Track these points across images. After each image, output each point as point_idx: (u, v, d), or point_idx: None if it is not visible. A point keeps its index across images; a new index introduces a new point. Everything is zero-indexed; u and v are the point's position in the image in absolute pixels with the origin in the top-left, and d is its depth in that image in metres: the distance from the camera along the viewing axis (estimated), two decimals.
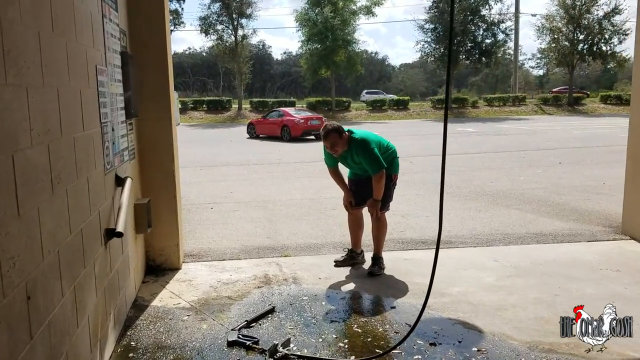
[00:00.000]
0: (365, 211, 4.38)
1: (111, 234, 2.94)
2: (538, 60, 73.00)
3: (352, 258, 4.46)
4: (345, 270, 4.33)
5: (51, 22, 2.06)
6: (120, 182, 3.28)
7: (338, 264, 4.41)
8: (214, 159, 13.38)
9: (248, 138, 21.01)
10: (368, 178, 4.16)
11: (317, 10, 32.76)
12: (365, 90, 48.37)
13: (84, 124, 2.50)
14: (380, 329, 3.22)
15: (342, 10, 32.41)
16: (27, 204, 1.77)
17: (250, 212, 6.86)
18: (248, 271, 4.33)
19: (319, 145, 4.65)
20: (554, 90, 45.16)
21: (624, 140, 5.53)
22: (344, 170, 4.49)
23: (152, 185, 4.20)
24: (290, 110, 22.24)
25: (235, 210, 6.96)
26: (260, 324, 3.29)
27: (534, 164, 11.16)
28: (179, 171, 4.55)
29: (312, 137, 19.16)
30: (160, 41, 4.04)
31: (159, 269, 4.36)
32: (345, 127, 4.20)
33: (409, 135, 19.81)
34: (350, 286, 4.00)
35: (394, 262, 4.46)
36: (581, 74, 54.94)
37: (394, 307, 3.55)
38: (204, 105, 33.76)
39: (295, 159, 13.20)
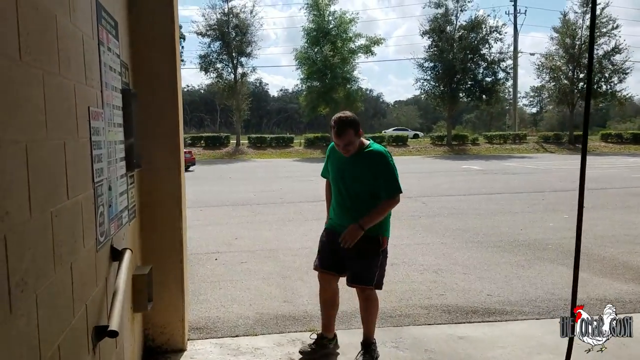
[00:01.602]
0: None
1: (102, 332, 2.17)
2: (531, 99, 74.08)
3: (322, 347, 3.43)
4: (389, 353, 3.53)
5: (17, 43, 1.34)
6: (116, 255, 2.52)
7: (305, 356, 3.39)
8: (215, 198, 12.62)
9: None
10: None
11: (316, 49, 32.71)
12: (393, 128, 49.95)
13: (69, 189, 1.77)
14: None
15: (342, 49, 32.37)
16: None
17: (260, 264, 6.07)
18: (268, 354, 3.52)
19: (319, 184, 3.77)
20: None
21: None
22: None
23: (155, 249, 3.43)
24: None
25: (243, 262, 6.18)
26: None
27: (556, 207, 10.47)
28: (187, 229, 3.79)
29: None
30: (170, 75, 3.35)
31: (159, 350, 3.54)
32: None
33: (413, 173, 19.17)
34: None
35: (447, 343, 3.66)
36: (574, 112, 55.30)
37: None
38: (202, 142, 33.23)
39: (299, 198, 12.46)
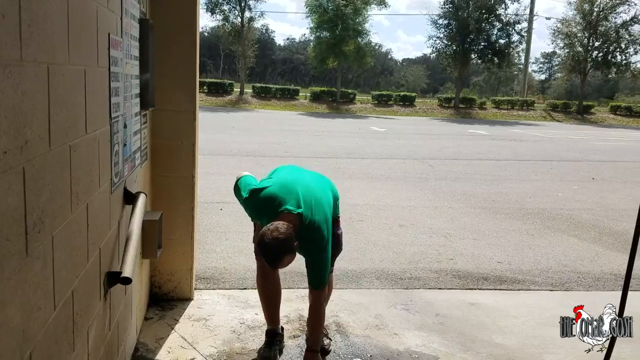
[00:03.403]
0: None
1: (114, 279, 2.05)
2: (541, 65, 72.71)
3: (280, 342, 2.95)
4: (399, 315, 3.46)
5: None
6: (129, 198, 2.38)
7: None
8: (218, 147, 12.41)
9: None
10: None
11: None
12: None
13: (87, 122, 1.60)
14: None
15: None
16: None
17: None
18: None
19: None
20: None
21: None
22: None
23: (166, 195, 3.29)
24: None
25: None
26: None
27: (565, 177, 10.32)
28: (198, 177, 3.64)
29: None
30: (190, 9, 3.11)
31: (165, 298, 3.47)
32: (260, 181, 2.75)
33: (420, 135, 18.91)
34: (413, 342, 3.12)
35: (459, 308, 3.59)
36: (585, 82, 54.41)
37: None
38: (205, 87, 32.57)
39: (306, 153, 12.26)
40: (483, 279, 4.25)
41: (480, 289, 4.03)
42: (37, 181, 1.16)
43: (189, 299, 3.49)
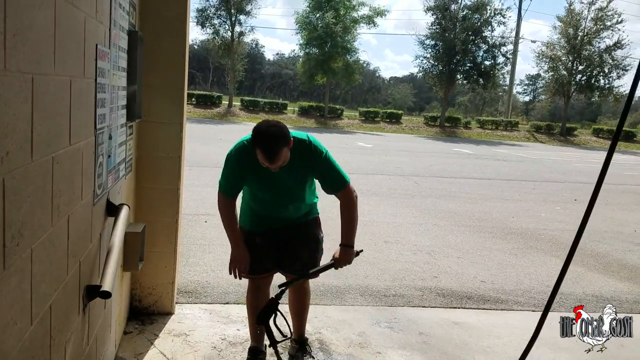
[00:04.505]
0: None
1: (94, 292, 2.01)
2: (525, 87, 74.08)
3: None
4: (383, 333, 3.44)
5: None
6: (112, 210, 2.34)
7: None
8: (205, 159, 12.36)
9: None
10: (296, 225, 2.72)
11: (318, 15, 31.93)
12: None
13: (71, 134, 1.58)
14: None
15: (344, 17, 31.65)
16: None
17: None
18: None
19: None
20: None
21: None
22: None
23: (150, 206, 3.26)
24: None
25: None
26: None
27: (548, 198, 10.45)
28: (183, 189, 3.61)
29: None
30: (180, 22, 3.11)
31: (145, 312, 3.41)
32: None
33: (406, 152, 19.06)
34: None
35: (442, 327, 3.58)
36: (568, 104, 55.53)
37: None
38: (193, 99, 32.51)
39: None
40: (466, 298, 4.25)
41: (464, 308, 4.03)
42: (18, 193, 1.14)
43: (169, 313, 3.43)
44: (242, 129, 25.27)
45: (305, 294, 2.97)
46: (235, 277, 2.79)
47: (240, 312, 3.59)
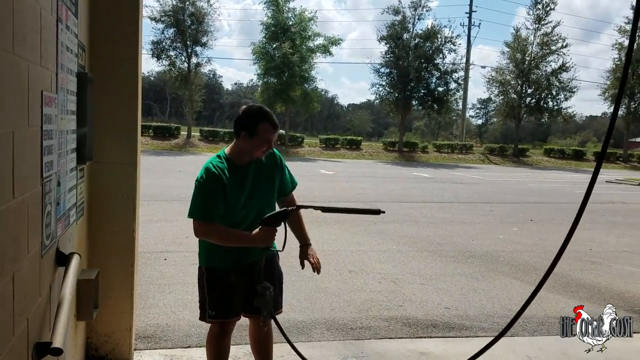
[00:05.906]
0: None
1: (44, 350, 1.89)
2: (477, 110, 76.83)
3: None
4: None
5: None
6: (62, 259, 2.23)
7: None
8: (164, 192, 12.12)
9: None
10: (265, 260, 2.65)
11: (274, 45, 32.33)
12: None
13: (15, 186, 1.50)
14: None
15: (300, 47, 32.15)
16: None
17: None
18: None
19: None
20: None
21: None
22: None
23: (103, 251, 3.13)
24: None
25: (195, 264, 5.83)
26: None
27: (505, 219, 10.72)
28: (139, 229, 3.49)
29: None
30: (132, 60, 3.06)
31: None
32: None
33: (367, 177, 19.27)
34: None
35: (409, 359, 3.56)
36: (519, 126, 57.82)
37: None
38: (151, 131, 32.03)
39: None
40: (432, 326, 4.25)
41: (430, 337, 4.03)
42: None
43: None
44: (202, 160, 24.80)
45: (267, 335, 2.88)
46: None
47: (203, 355, 3.45)
